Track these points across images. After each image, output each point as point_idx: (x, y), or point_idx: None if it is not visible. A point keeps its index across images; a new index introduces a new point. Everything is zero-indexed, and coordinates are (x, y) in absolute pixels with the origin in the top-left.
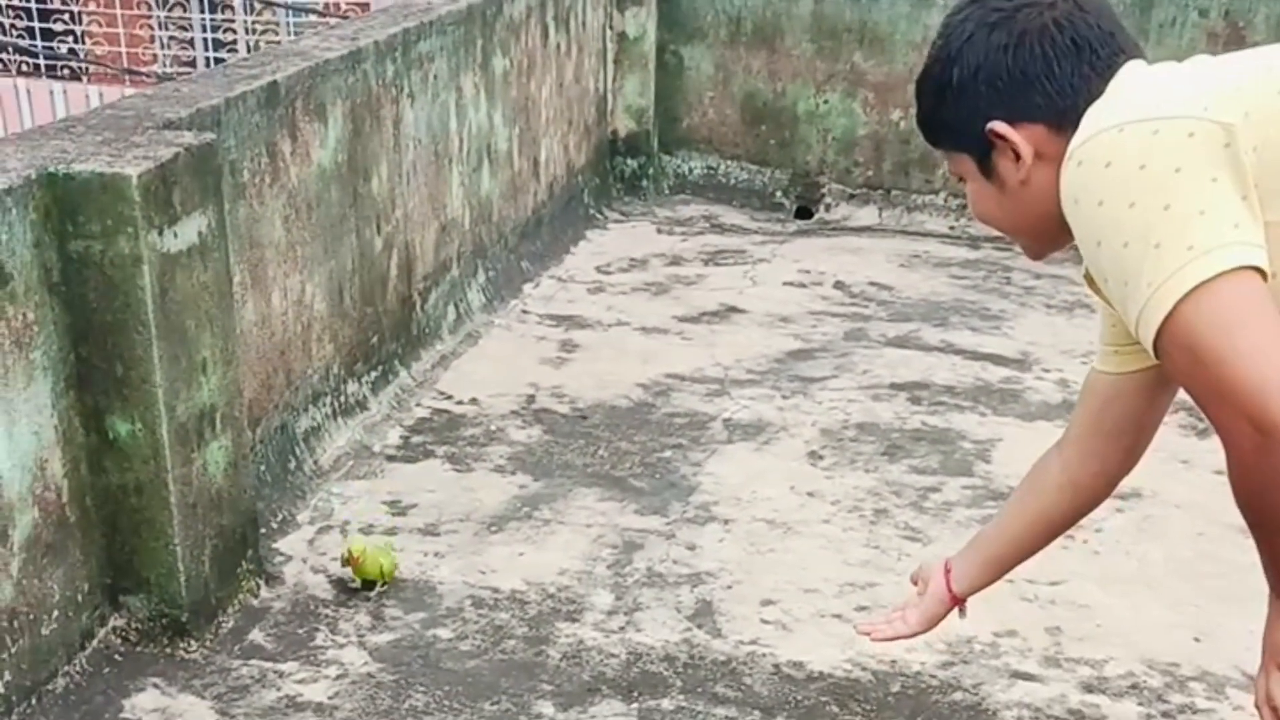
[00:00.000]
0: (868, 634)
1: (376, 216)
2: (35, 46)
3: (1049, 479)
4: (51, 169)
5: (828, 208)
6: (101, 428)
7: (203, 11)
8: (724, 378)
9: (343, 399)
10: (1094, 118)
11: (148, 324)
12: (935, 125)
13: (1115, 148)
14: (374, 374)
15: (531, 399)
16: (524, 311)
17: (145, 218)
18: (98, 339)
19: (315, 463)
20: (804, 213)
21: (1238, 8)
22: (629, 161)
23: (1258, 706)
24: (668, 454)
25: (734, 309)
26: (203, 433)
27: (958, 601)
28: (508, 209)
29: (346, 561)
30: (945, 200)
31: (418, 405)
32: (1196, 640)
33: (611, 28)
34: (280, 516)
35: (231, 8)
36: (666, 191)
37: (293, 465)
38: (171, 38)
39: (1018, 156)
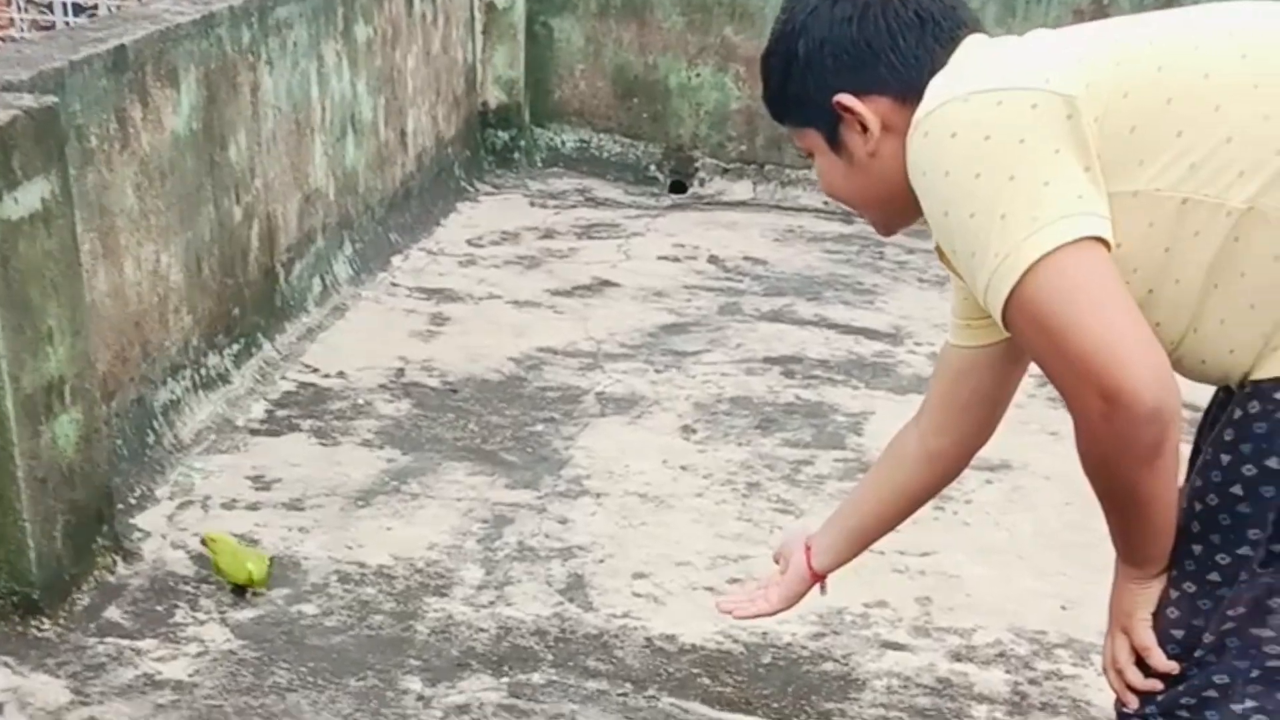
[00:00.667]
0: (729, 612)
1: (235, 186)
2: None
3: (907, 452)
4: None
5: (702, 182)
6: None
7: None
8: (597, 351)
9: (203, 371)
10: (939, 88)
11: None
12: (782, 100)
13: (960, 118)
14: (236, 346)
15: (401, 372)
16: (393, 284)
17: None
18: None
19: (175, 437)
20: (678, 187)
21: None
22: (500, 134)
23: (1104, 669)
24: (539, 428)
25: (607, 283)
26: (51, 405)
27: (818, 578)
28: (375, 180)
29: (204, 543)
30: None
31: (282, 379)
32: (1063, 609)
33: None
34: (139, 492)
35: None
36: (539, 164)
37: (151, 439)
38: (29, 0)
39: (865, 129)
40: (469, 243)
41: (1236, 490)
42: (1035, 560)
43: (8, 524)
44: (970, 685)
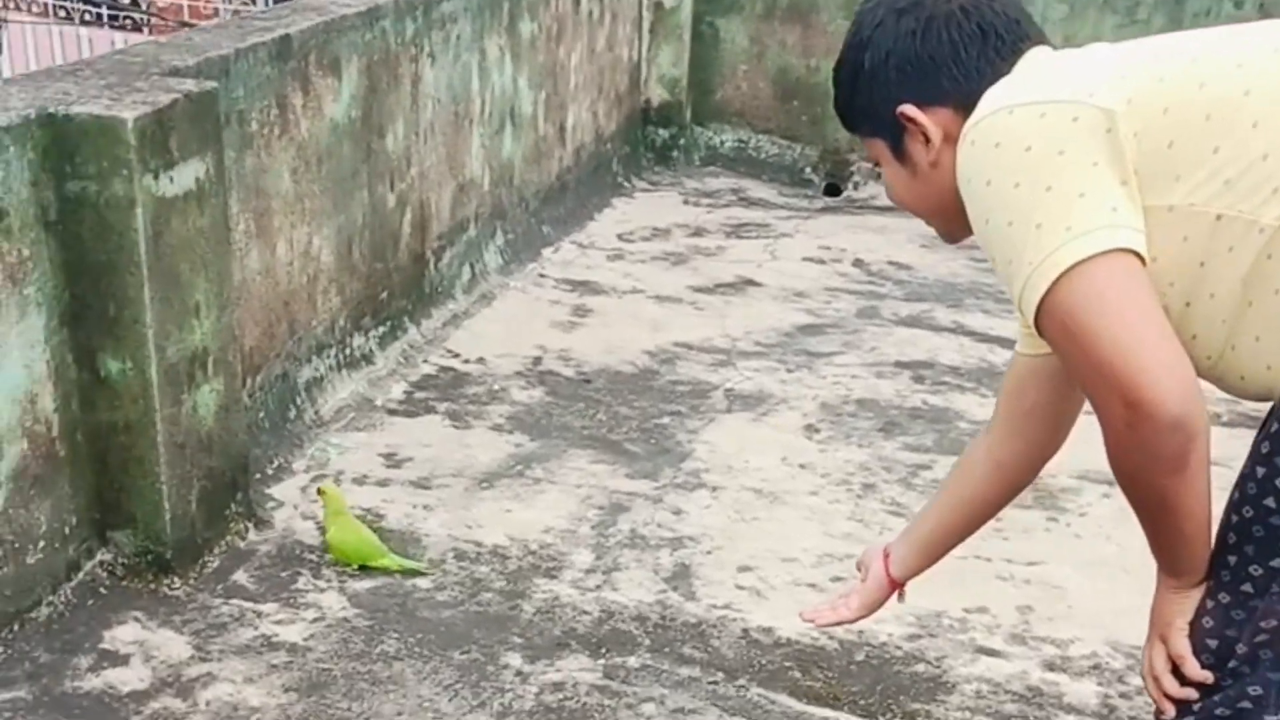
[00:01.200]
0: (811, 620)
1: (390, 173)
2: None
3: (977, 461)
4: (51, 109)
5: (856, 186)
6: (93, 365)
7: None
8: (731, 349)
9: (348, 352)
10: (989, 99)
11: (140, 265)
12: (851, 111)
13: (1004, 129)
14: (382, 329)
15: (538, 361)
16: (541, 275)
17: (140, 161)
18: (91, 278)
19: (316, 412)
20: (832, 190)
21: None
22: (660, 131)
23: (1143, 676)
24: (666, 420)
25: (750, 282)
26: (194, 375)
27: (896, 586)
28: (530, 173)
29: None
30: None
31: (425, 362)
32: None
33: None
34: (276, 463)
35: None
36: (697, 163)
37: (292, 414)
38: (234, 12)
39: (927, 139)
40: (619, 237)
41: (1270, 503)
42: (1141, 576)
43: (146, 486)
44: (1060, 695)
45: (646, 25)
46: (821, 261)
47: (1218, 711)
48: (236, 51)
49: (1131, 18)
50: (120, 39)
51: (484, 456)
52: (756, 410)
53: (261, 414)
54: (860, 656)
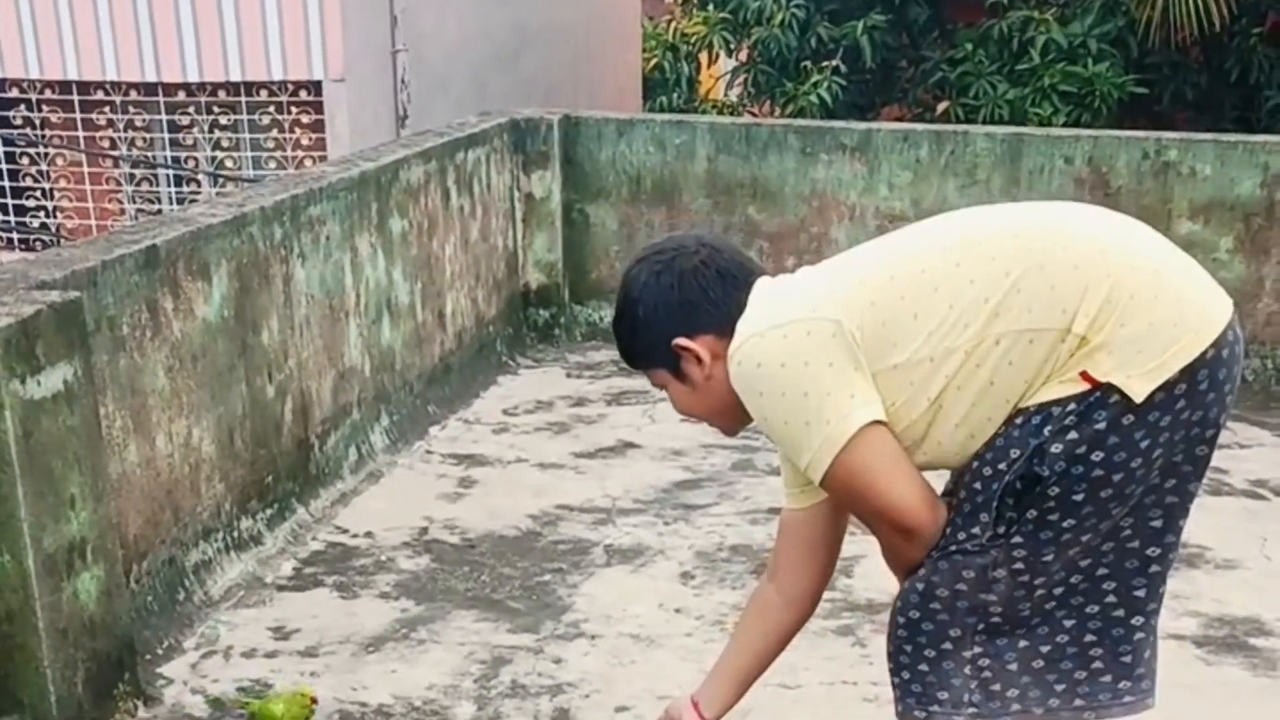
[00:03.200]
0: None
1: (268, 365)
2: (9, 221)
3: (769, 602)
4: None
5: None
6: None
7: (170, 185)
8: (611, 507)
9: (236, 534)
10: (743, 326)
11: (11, 463)
12: (635, 353)
13: (760, 351)
14: (269, 511)
15: (424, 531)
16: (428, 451)
17: (7, 368)
18: None
19: (205, 593)
20: None
21: (1100, 155)
22: (541, 311)
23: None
24: (547, 577)
25: (630, 444)
26: (72, 563)
27: None
28: (412, 358)
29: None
30: None
31: (313, 539)
32: None
33: (519, 189)
34: (166, 643)
35: (198, 181)
36: (579, 339)
37: (181, 595)
38: (140, 210)
39: (699, 360)
40: (504, 412)
41: (977, 485)
42: None
43: (29, 671)
44: None
45: (519, 215)
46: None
47: (925, 652)
48: (103, 263)
49: (972, 179)
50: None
51: (371, 623)
52: (635, 562)
53: (149, 597)
54: None
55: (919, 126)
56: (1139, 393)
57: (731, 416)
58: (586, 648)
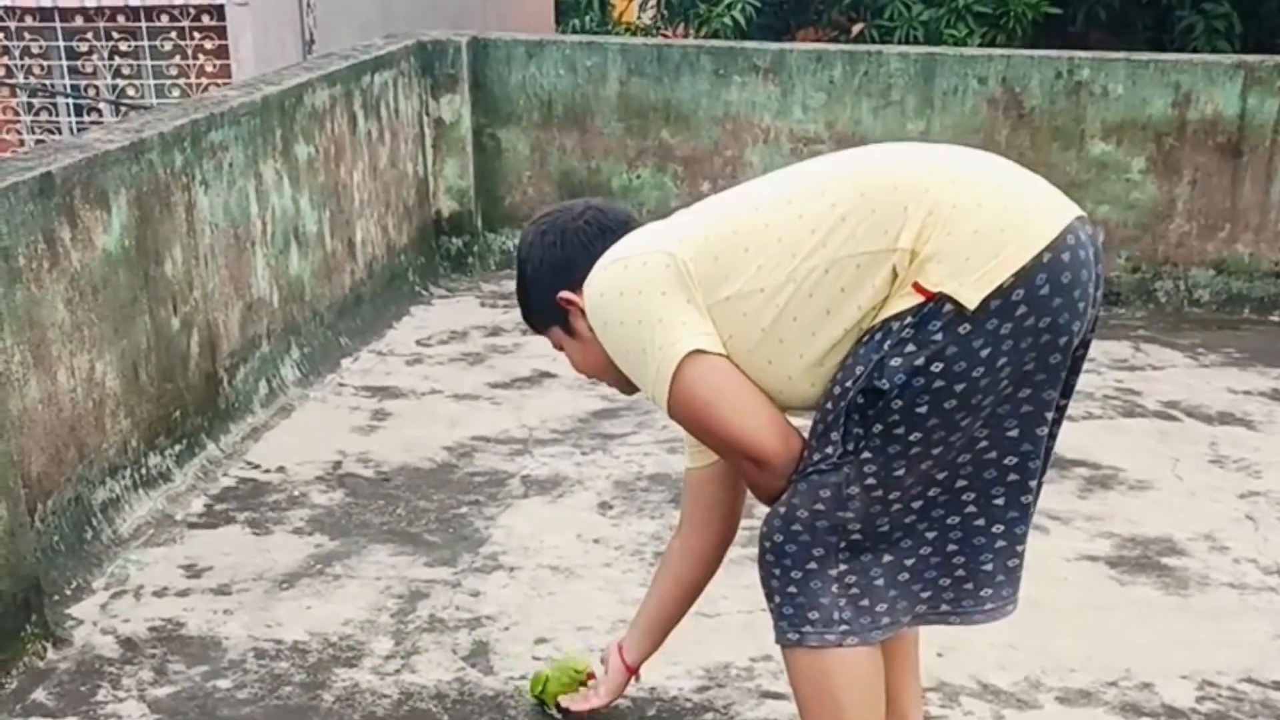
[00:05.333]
0: (567, 709)
1: (173, 297)
2: None
3: (676, 557)
4: None
5: None
6: None
7: (70, 114)
8: (528, 438)
9: (143, 471)
10: (597, 264)
11: None
12: (530, 313)
13: (602, 282)
14: (178, 447)
15: (338, 465)
16: (340, 384)
17: None
18: None
19: (114, 532)
20: None
21: (1013, 75)
22: (454, 240)
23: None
24: (464, 510)
25: (546, 374)
26: None
27: (633, 671)
28: (321, 288)
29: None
30: None
31: (224, 475)
32: (939, 655)
33: (428, 114)
34: (75, 583)
35: (99, 109)
36: (493, 267)
37: (89, 535)
38: (39, 141)
39: (583, 313)
40: (418, 343)
41: (828, 405)
42: None
43: None
44: None
45: (429, 140)
46: None
47: (793, 574)
48: None
49: (886, 100)
50: None
51: (284, 559)
52: (552, 493)
53: (55, 536)
54: (651, 711)
55: (832, 47)
56: (971, 300)
57: (618, 372)
58: (505, 580)
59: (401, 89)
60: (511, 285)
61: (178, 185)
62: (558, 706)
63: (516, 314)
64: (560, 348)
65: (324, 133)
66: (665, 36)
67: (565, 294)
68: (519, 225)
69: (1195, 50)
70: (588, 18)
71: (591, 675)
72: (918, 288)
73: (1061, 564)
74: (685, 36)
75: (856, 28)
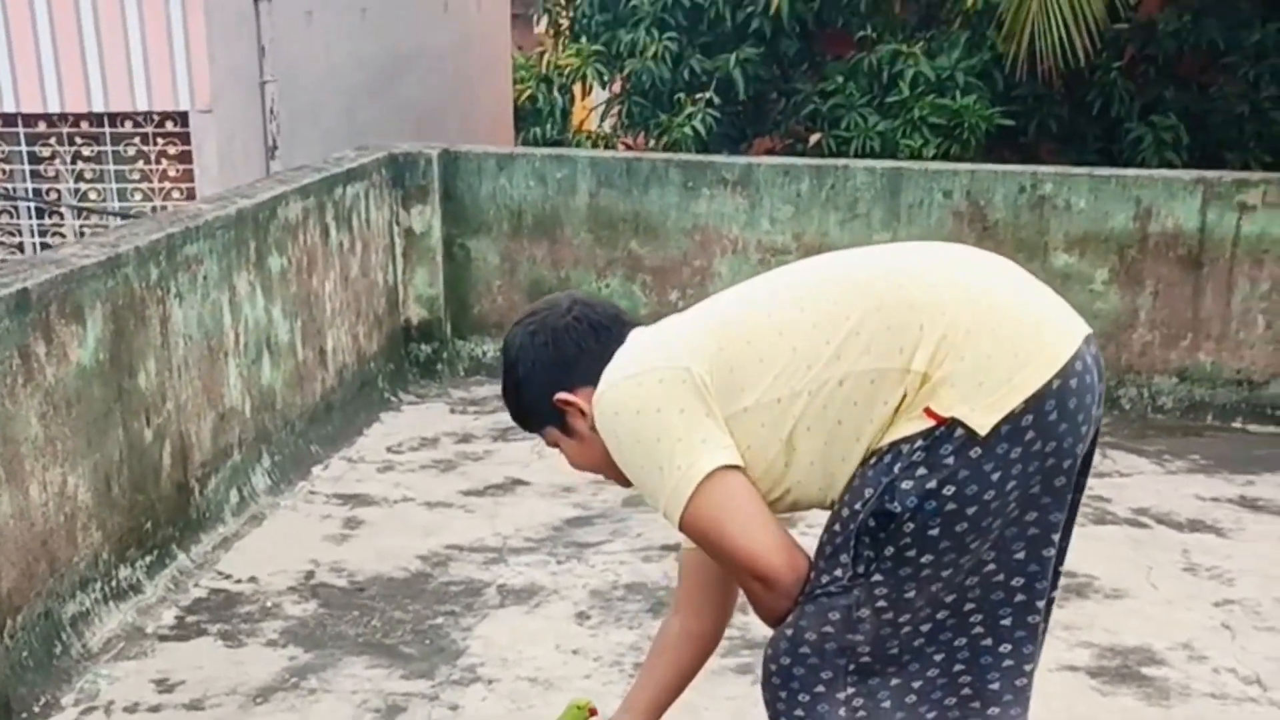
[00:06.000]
0: None
1: (145, 409)
2: None
3: (673, 638)
4: None
5: None
6: None
7: (31, 218)
8: (502, 546)
9: (114, 583)
10: (604, 377)
11: None
12: (524, 414)
13: (616, 399)
14: (149, 558)
15: (311, 574)
16: (311, 492)
17: None
18: None
19: (84, 646)
20: None
21: (978, 188)
22: (423, 346)
23: None
24: (440, 620)
25: (519, 481)
26: None
27: None
28: (293, 397)
29: None
30: None
31: (195, 586)
32: None
33: (398, 224)
34: (44, 700)
35: (60, 214)
36: (462, 373)
37: (58, 650)
38: None
39: (582, 413)
40: (389, 450)
41: (836, 527)
42: None
43: None
44: None
45: (399, 250)
46: None
47: (800, 697)
48: None
49: (853, 213)
50: None
51: (258, 672)
52: (529, 603)
53: (25, 652)
54: None
55: (799, 161)
56: (982, 425)
57: (617, 468)
58: (484, 692)
59: (373, 200)
60: (482, 391)
61: (153, 298)
62: None
63: (487, 420)
64: (555, 445)
65: (297, 244)
66: (625, 145)
67: (563, 395)
68: (489, 332)
69: (1144, 160)
70: (549, 125)
71: (593, 711)
72: (929, 413)
73: (1043, 674)
74: (645, 144)
75: (814, 137)
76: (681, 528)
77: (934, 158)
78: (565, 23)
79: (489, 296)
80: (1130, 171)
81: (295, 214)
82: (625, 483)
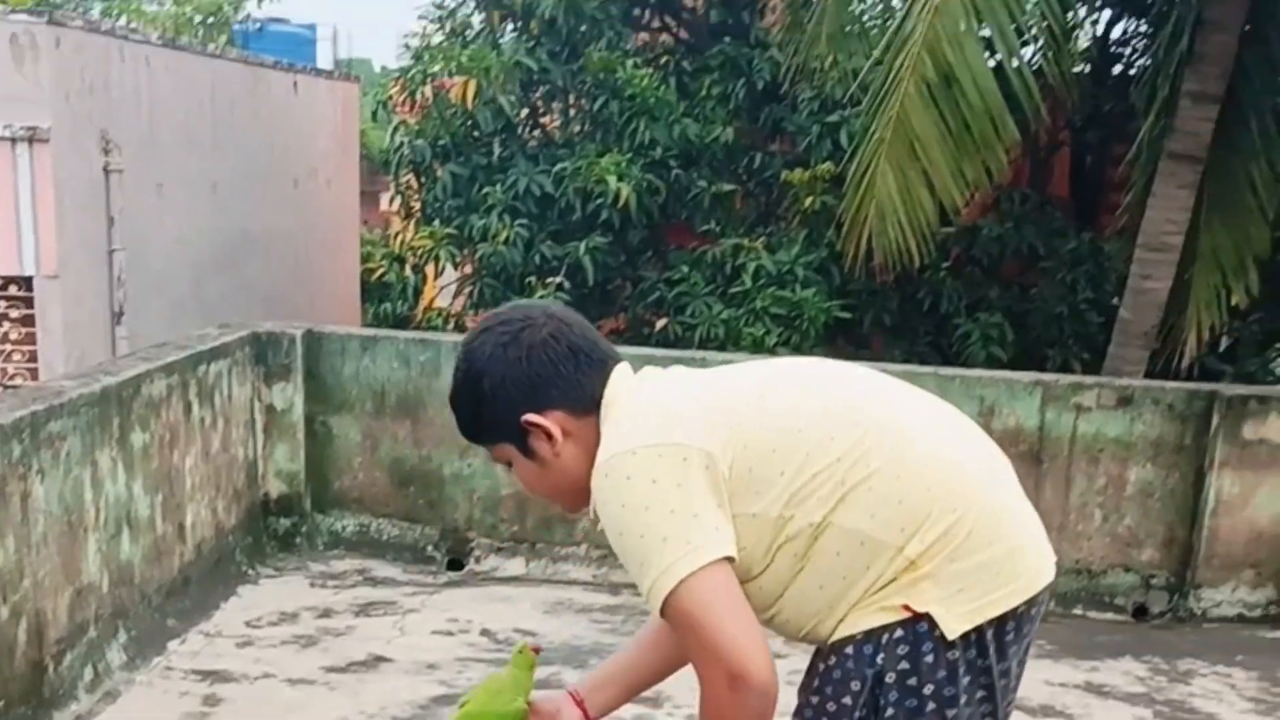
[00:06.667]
0: None
1: (2, 587)
2: None
3: (659, 628)
4: None
5: (477, 560)
6: None
7: None
8: None
9: None
10: (615, 435)
11: None
12: (478, 428)
13: (633, 465)
14: None
15: None
16: (168, 668)
17: None
18: None
19: None
20: (455, 565)
21: None
22: (282, 520)
23: None
24: None
25: (382, 658)
26: None
27: None
28: (151, 571)
29: None
30: (587, 551)
31: None
32: None
33: (260, 400)
34: None
35: None
36: (321, 548)
37: None
38: None
39: (550, 436)
40: (247, 624)
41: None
42: None
43: None
44: None
45: (260, 425)
46: (450, 633)
47: None
48: None
49: None
50: None
51: None
52: None
53: None
54: None
55: (659, 351)
56: (953, 630)
57: (577, 496)
58: None
59: (235, 377)
60: (342, 565)
61: (14, 475)
62: None
63: (348, 595)
64: (506, 463)
65: (159, 420)
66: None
67: (533, 417)
68: (349, 507)
69: (972, 354)
70: (400, 302)
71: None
72: (906, 607)
73: None
74: None
75: (660, 323)
76: (667, 603)
77: (775, 346)
78: (417, 205)
79: (350, 473)
80: (974, 372)
81: (159, 391)
82: (574, 509)
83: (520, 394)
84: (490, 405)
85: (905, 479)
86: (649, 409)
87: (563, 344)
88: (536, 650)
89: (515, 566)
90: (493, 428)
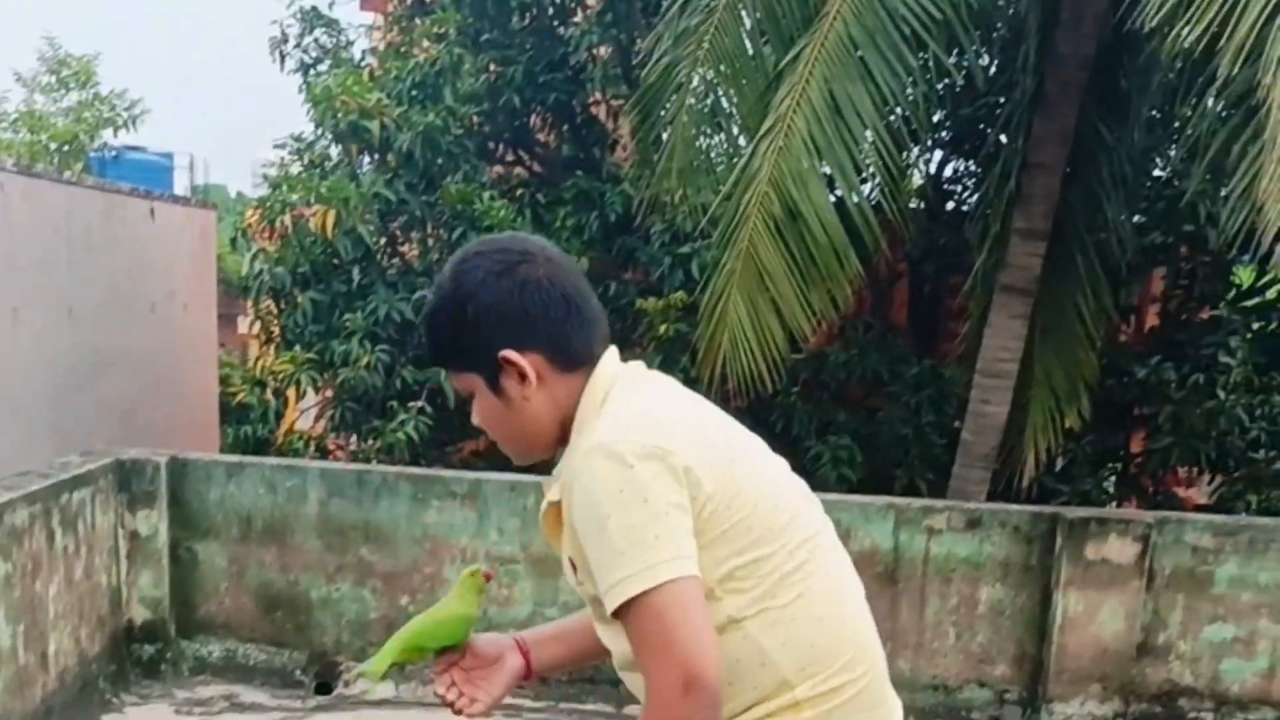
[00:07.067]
0: (460, 711)
1: None
2: None
3: None
4: None
5: (346, 684)
6: None
7: None
8: None
9: None
10: (604, 427)
11: None
12: (450, 351)
13: (610, 467)
14: None
15: None
16: None
17: None
18: None
19: None
20: (323, 689)
21: None
22: (146, 647)
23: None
24: None
25: None
26: None
27: (530, 679)
28: (13, 702)
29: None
30: None
31: None
32: None
33: (124, 527)
34: None
35: None
36: (186, 674)
37: None
38: None
39: (523, 378)
40: None
41: None
42: None
43: None
44: None
45: (124, 552)
46: None
47: None
48: None
49: None
50: None
51: None
52: None
53: None
54: None
55: (526, 477)
56: None
57: (531, 443)
58: None
59: (99, 504)
60: (208, 691)
61: None
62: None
63: None
64: (468, 393)
65: (22, 550)
66: (339, 447)
67: (511, 354)
68: (215, 633)
69: (823, 474)
70: (261, 425)
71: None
72: None
73: None
74: (359, 447)
75: None
76: (640, 598)
77: None
78: (277, 330)
79: (216, 598)
80: (831, 495)
81: (21, 520)
82: (523, 457)
83: (505, 327)
84: (471, 331)
85: (827, 623)
86: (640, 409)
87: (558, 289)
88: (488, 576)
89: (385, 690)
90: (466, 355)
